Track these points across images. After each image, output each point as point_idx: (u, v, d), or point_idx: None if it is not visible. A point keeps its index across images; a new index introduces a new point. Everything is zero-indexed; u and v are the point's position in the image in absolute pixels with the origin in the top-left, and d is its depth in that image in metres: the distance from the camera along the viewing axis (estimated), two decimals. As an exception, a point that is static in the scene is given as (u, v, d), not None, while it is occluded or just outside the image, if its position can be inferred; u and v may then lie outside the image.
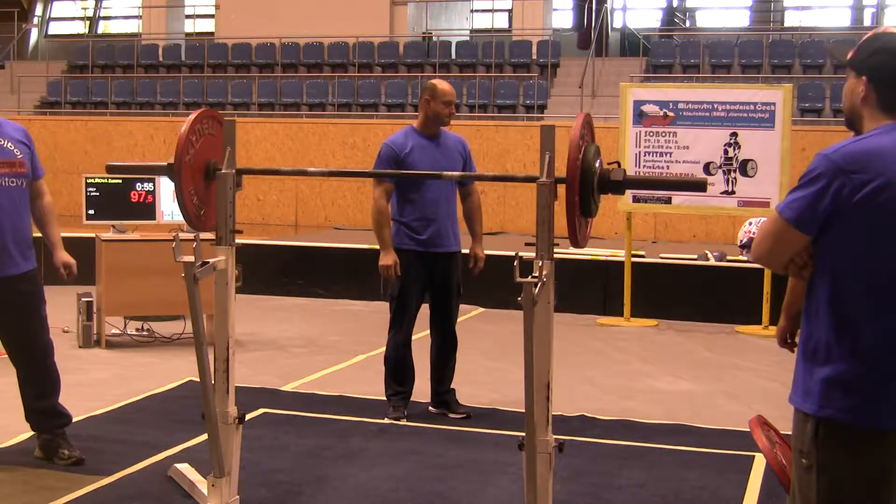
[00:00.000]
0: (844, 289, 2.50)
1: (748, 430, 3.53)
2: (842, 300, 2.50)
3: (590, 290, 9.65)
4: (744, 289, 9.27)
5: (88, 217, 7.89)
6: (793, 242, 2.53)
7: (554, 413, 3.83)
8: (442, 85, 5.73)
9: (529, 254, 3.64)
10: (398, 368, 5.78)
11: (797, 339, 2.73)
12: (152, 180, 7.98)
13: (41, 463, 4.82)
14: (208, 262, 3.99)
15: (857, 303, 2.49)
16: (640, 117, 9.19)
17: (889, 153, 2.47)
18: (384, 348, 5.87)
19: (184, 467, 4.65)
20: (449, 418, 5.79)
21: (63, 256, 4.93)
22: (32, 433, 5.24)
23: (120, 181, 7.84)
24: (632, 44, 19.70)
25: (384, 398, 5.88)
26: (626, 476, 4.88)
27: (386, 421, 5.66)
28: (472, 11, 23.05)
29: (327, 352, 7.83)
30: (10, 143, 4.71)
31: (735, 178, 8.96)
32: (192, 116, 4.19)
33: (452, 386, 5.90)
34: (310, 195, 14.67)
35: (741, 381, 7.10)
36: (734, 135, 8.97)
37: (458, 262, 5.82)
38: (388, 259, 5.62)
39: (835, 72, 15.48)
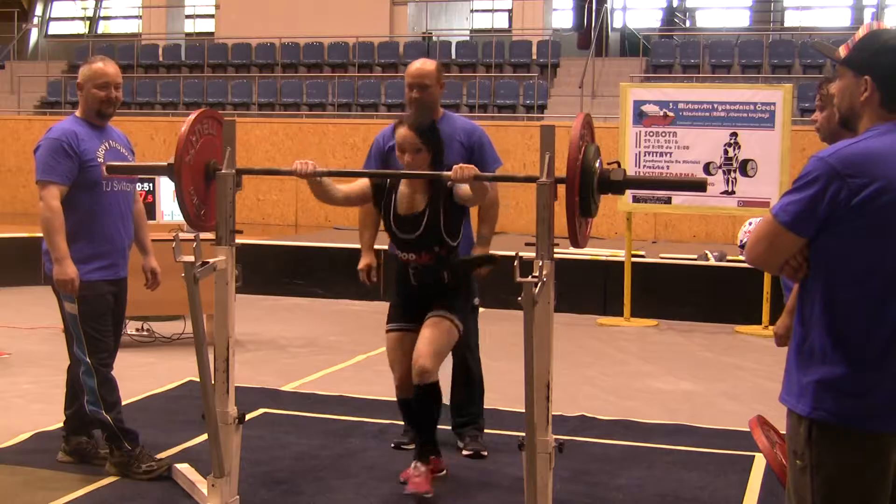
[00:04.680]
0: (839, 291, 2.49)
1: (748, 430, 3.54)
2: (837, 303, 2.49)
3: (590, 290, 9.65)
4: (744, 289, 9.27)
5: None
6: (788, 245, 2.53)
7: (554, 413, 3.83)
8: (410, 66, 5.12)
9: (529, 254, 3.64)
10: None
11: None
12: (152, 180, 7.98)
13: (40, 463, 4.82)
14: (208, 262, 3.99)
15: (851, 305, 2.48)
16: (640, 117, 9.19)
17: (887, 155, 2.46)
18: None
19: (184, 467, 4.65)
20: (448, 419, 5.75)
21: (152, 262, 4.97)
22: (30, 434, 5.25)
23: (120, 181, 7.84)
24: (632, 44, 19.71)
25: (384, 398, 5.85)
26: (625, 476, 4.88)
27: (386, 421, 5.62)
28: (472, 11, 23.06)
29: (327, 352, 7.83)
30: (124, 150, 4.83)
31: (735, 178, 8.96)
32: (192, 116, 4.20)
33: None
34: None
35: (741, 381, 7.10)
36: (734, 135, 8.97)
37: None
38: (361, 262, 5.18)
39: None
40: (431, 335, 4.42)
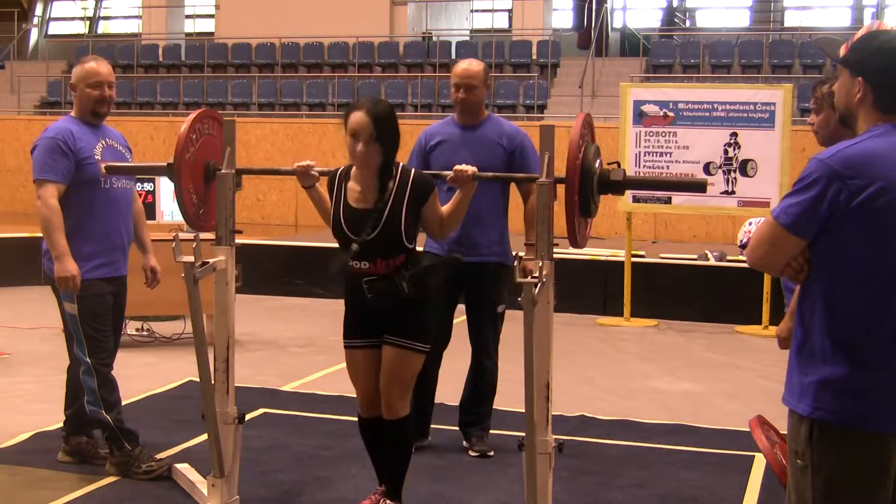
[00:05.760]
0: (840, 292, 2.49)
1: (748, 430, 3.54)
2: (837, 303, 2.50)
3: (590, 290, 9.65)
4: (744, 289, 9.27)
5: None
6: (789, 247, 2.53)
7: (554, 413, 3.83)
8: (457, 66, 5.08)
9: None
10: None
11: None
12: (152, 180, 7.98)
13: (40, 462, 4.82)
14: (208, 262, 3.99)
15: (851, 306, 2.49)
16: (640, 117, 9.19)
17: (886, 156, 2.46)
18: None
19: (184, 467, 4.65)
20: (448, 419, 5.75)
21: (152, 261, 4.96)
22: (30, 434, 5.25)
23: (120, 181, 7.84)
24: (632, 44, 19.70)
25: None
26: (625, 476, 4.88)
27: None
28: (472, 11, 23.05)
29: (327, 352, 7.83)
30: (121, 147, 4.85)
31: (735, 178, 8.96)
32: (192, 116, 4.20)
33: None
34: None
35: (741, 381, 7.11)
36: (734, 135, 8.97)
37: (491, 276, 5.08)
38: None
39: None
40: (392, 370, 4.05)
